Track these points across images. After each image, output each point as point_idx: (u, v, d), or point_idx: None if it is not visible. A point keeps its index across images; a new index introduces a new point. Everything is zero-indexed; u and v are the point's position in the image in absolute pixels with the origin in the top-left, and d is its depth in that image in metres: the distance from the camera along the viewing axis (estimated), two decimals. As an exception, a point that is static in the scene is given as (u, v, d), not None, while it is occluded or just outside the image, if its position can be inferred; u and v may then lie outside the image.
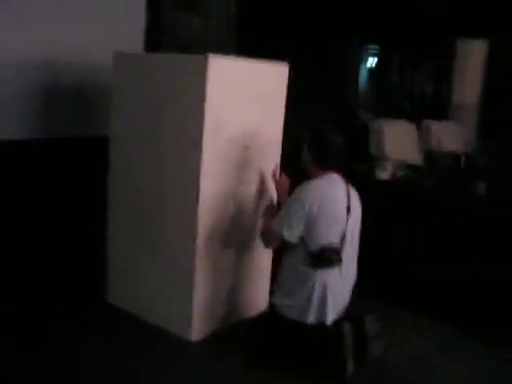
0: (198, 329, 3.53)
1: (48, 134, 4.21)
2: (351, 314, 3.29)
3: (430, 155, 4.97)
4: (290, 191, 3.54)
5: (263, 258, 3.93)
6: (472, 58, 5.90)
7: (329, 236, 3.16)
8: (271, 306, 3.31)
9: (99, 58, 4.08)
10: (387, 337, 3.42)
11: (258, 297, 3.95)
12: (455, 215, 3.98)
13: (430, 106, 6.63)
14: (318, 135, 3.31)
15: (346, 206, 3.23)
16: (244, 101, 3.51)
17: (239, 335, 3.59)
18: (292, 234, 3.16)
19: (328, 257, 3.13)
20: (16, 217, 4.00)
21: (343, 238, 3.20)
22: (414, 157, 4.95)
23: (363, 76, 7.59)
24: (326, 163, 3.27)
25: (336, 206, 3.19)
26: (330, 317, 3.19)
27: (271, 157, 3.78)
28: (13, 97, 3.96)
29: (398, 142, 4.82)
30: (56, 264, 4.09)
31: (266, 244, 3.40)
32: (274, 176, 3.68)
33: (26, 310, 3.68)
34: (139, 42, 4.69)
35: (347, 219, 3.22)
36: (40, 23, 4.00)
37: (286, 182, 3.61)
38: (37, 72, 4.08)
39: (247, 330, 3.42)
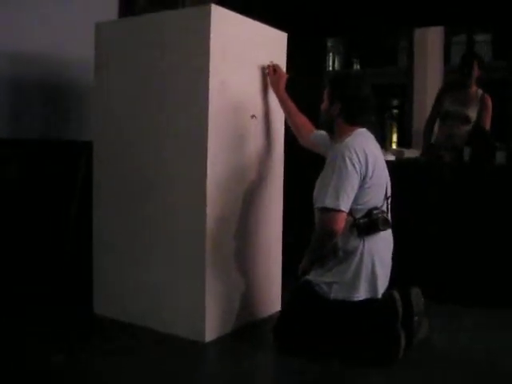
0: (211, 328, 3.03)
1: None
2: (394, 284, 2.88)
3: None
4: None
5: (274, 248, 3.50)
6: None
7: (376, 200, 2.76)
8: (306, 284, 2.83)
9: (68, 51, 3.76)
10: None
11: (270, 293, 3.50)
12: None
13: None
14: (348, 84, 2.90)
15: (384, 164, 2.87)
16: (247, 63, 3.20)
17: (258, 333, 3.15)
18: (348, 204, 2.67)
19: (376, 220, 2.71)
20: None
21: (386, 200, 2.82)
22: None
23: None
24: (357, 118, 2.86)
25: (379, 165, 2.79)
26: (380, 290, 2.77)
27: (276, 127, 3.42)
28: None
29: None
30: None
31: (329, 236, 2.72)
32: (269, 70, 3.26)
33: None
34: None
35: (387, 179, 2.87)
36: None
37: (283, 75, 3.26)
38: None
39: (280, 315, 2.93)
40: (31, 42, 3.69)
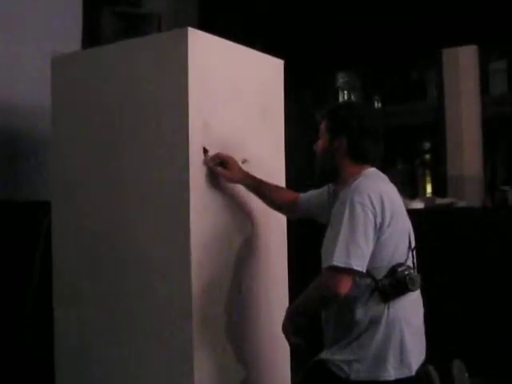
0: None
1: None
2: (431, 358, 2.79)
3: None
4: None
5: (279, 324, 3.40)
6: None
7: (398, 253, 2.69)
8: (320, 364, 2.73)
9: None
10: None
11: (277, 379, 3.41)
12: None
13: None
14: (353, 113, 2.85)
15: (404, 210, 2.81)
16: (235, 98, 3.20)
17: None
18: (363, 262, 2.57)
19: (403, 279, 2.63)
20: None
21: (411, 252, 2.75)
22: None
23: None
24: (368, 154, 2.81)
25: (398, 210, 2.72)
26: (414, 365, 2.68)
27: (275, 174, 3.40)
28: None
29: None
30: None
31: (328, 301, 2.69)
32: (215, 168, 3.06)
33: None
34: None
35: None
36: None
37: (232, 161, 3.07)
38: None
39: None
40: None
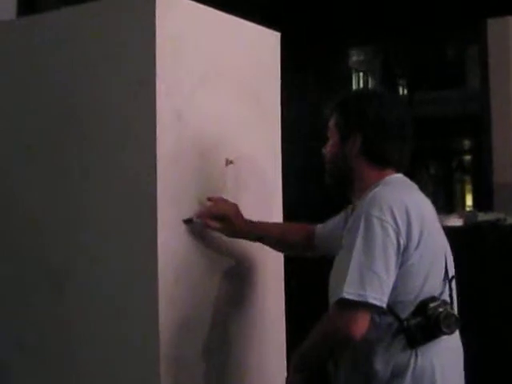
0: None
1: None
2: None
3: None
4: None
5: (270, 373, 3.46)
6: None
7: (430, 284, 2.70)
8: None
9: None
10: None
11: None
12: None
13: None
14: (370, 104, 2.87)
15: (439, 227, 2.83)
16: (219, 81, 3.24)
17: None
18: (383, 295, 2.57)
19: (436, 317, 2.62)
20: None
21: (448, 283, 2.77)
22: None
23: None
24: (391, 154, 2.83)
25: (430, 227, 2.73)
26: None
27: (269, 179, 3.48)
28: None
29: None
30: None
31: (340, 344, 2.71)
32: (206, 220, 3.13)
33: None
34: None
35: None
36: None
37: (242, 221, 3.17)
38: None
39: None
40: None
